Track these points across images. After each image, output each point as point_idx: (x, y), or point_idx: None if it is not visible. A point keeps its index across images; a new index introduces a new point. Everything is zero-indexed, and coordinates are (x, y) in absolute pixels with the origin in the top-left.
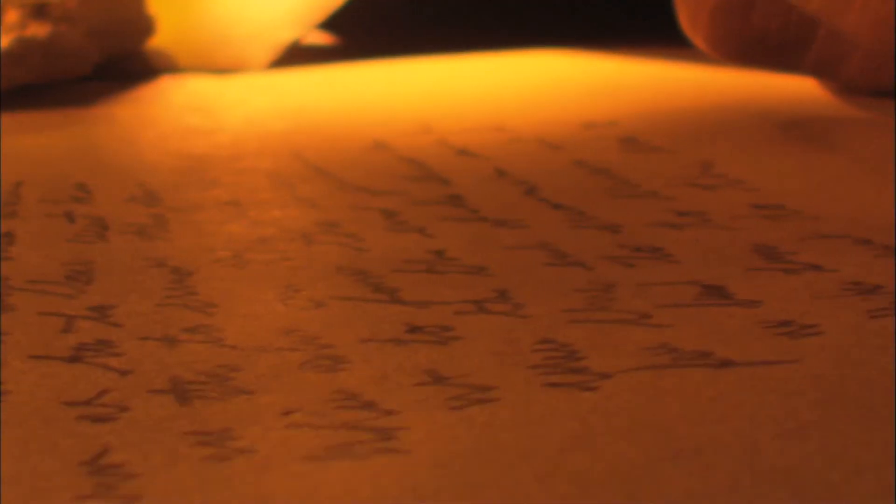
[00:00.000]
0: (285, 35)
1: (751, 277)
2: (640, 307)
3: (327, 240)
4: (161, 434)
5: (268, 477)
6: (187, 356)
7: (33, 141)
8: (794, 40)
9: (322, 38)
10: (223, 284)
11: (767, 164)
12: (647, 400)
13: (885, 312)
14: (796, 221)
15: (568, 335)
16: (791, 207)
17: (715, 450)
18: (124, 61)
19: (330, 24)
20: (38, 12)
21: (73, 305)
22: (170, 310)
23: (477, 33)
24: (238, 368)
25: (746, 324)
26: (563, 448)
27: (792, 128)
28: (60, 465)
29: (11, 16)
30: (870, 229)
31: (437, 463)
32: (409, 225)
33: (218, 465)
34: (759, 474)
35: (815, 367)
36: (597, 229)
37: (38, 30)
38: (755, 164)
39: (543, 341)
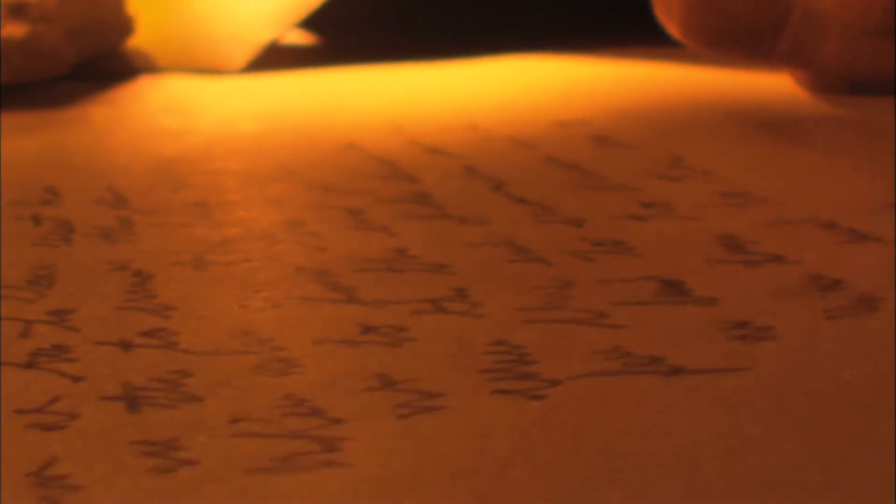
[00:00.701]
0: (264, 35)
1: (710, 271)
2: (596, 305)
3: (290, 239)
4: (108, 443)
5: (209, 490)
6: (141, 361)
7: (6, 143)
8: (767, 27)
9: (302, 38)
10: (183, 287)
11: (736, 155)
12: (593, 411)
13: (842, 313)
14: (762, 208)
15: (521, 336)
16: (758, 195)
17: (655, 468)
18: (103, 61)
19: (311, 23)
20: (16, 12)
21: (33, 310)
22: (127, 313)
23: (459, 34)
24: (190, 374)
25: (702, 324)
26: (503, 463)
27: (765, 125)
28: (7, 475)
29: None
30: (835, 212)
31: (377, 479)
32: (373, 224)
33: (161, 478)
34: (695, 496)
35: (765, 376)
36: (561, 224)
37: (16, 30)
38: (724, 156)
39: (496, 343)
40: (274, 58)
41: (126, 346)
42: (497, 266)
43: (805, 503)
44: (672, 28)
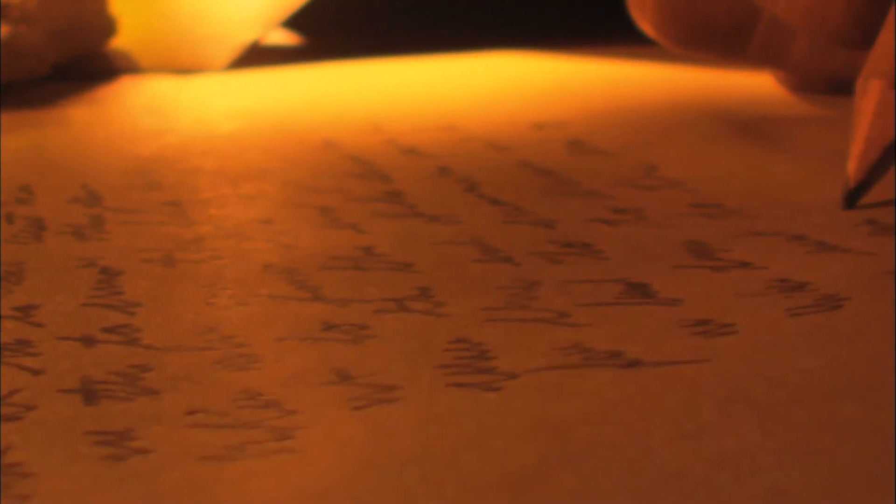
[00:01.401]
0: (246, 35)
1: (677, 275)
2: (559, 306)
3: (260, 237)
4: (64, 433)
5: (161, 477)
6: (102, 356)
7: None
8: (739, 25)
9: (287, 38)
10: (150, 284)
11: (712, 165)
12: (550, 400)
13: (807, 310)
14: (733, 220)
15: (482, 334)
16: (730, 207)
17: (608, 451)
18: (85, 62)
19: (295, 23)
20: None
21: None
22: (92, 310)
23: (444, 33)
24: (150, 368)
25: (664, 323)
26: (455, 450)
27: (743, 127)
28: None
29: None
30: (805, 226)
31: (328, 464)
32: (343, 222)
33: (114, 465)
34: (647, 476)
35: (724, 367)
36: (531, 225)
37: None
38: (699, 165)
39: (457, 340)
40: (257, 58)
41: (88, 341)
42: (463, 266)
43: (756, 481)
44: (645, 26)
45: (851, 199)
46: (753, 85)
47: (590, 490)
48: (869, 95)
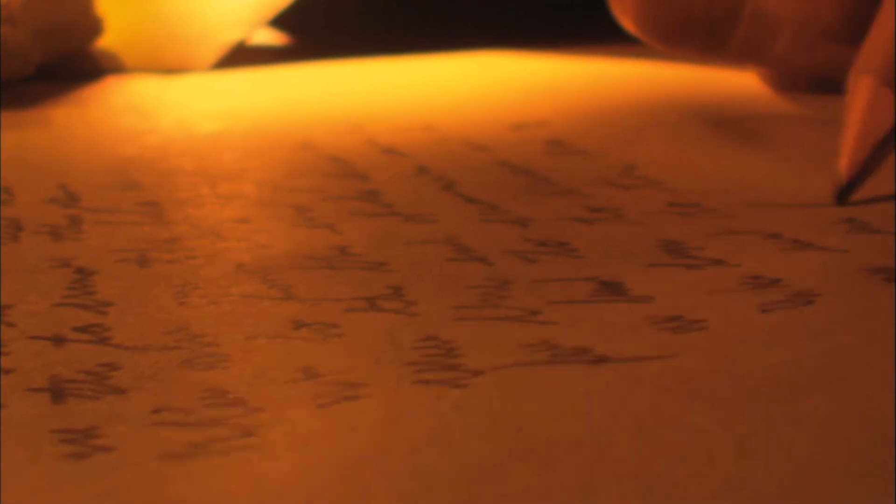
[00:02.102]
0: (231, 35)
1: (650, 273)
2: (531, 304)
3: (235, 237)
4: (29, 432)
5: (120, 475)
6: (72, 355)
7: None
8: (719, 20)
9: (274, 38)
10: (123, 283)
11: (691, 164)
12: (514, 397)
13: (778, 306)
14: (709, 218)
15: (451, 333)
16: (707, 205)
17: (567, 447)
18: (70, 62)
19: (282, 23)
20: None
21: None
22: (64, 309)
23: (430, 32)
24: (118, 367)
25: (634, 319)
26: (415, 446)
27: (724, 125)
28: None
29: None
30: (782, 224)
31: (289, 461)
32: (318, 221)
33: (75, 463)
34: (605, 471)
35: (691, 363)
36: (506, 223)
37: None
38: (678, 164)
39: (426, 339)
40: (243, 58)
41: (59, 340)
42: (436, 265)
43: (714, 474)
44: (626, 22)
45: (842, 195)
46: (737, 84)
47: (546, 485)
48: (860, 92)
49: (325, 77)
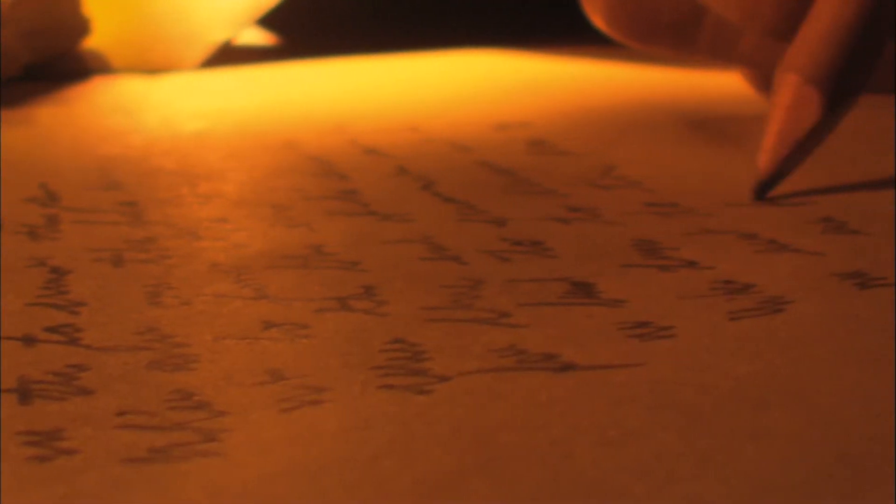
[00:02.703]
0: (218, 35)
1: (623, 275)
2: (502, 305)
3: (212, 237)
4: None
5: (82, 479)
6: (42, 356)
7: None
8: (686, 19)
9: (261, 38)
10: (97, 283)
11: (670, 164)
12: (477, 405)
13: (747, 314)
14: (686, 218)
15: (420, 335)
16: (685, 205)
17: (527, 458)
18: (58, 62)
19: (270, 22)
20: None
21: None
22: (37, 309)
23: (418, 31)
24: (87, 368)
25: (603, 324)
26: (375, 455)
27: (705, 127)
28: None
29: None
30: (758, 224)
31: (249, 468)
32: (296, 220)
33: (38, 466)
34: (564, 484)
35: (656, 372)
36: (483, 223)
37: None
38: (658, 165)
39: (394, 341)
40: (230, 57)
41: (30, 340)
42: (410, 264)
43: (673, 490)
44: (597, 20)
45: (761, 191)
46: (718, 86)
47: (504, 498)
48: (784, 89)
49: (310, 77)
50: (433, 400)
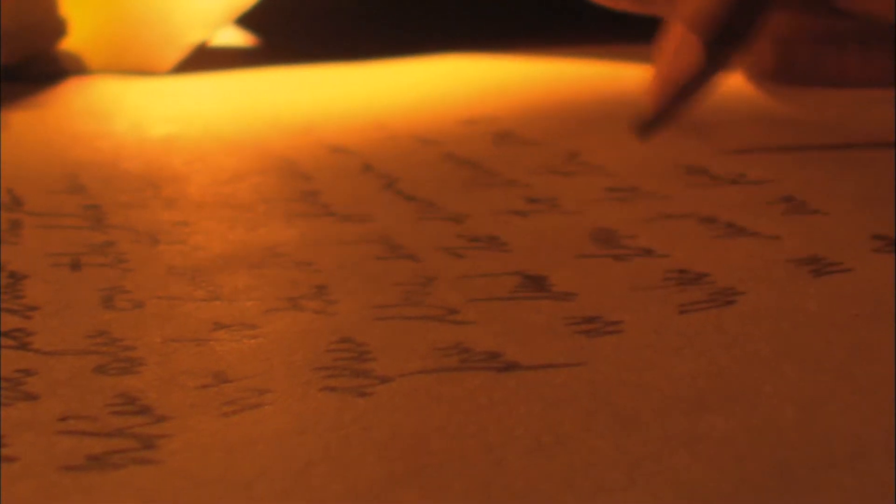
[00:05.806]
0: (195, 36)
1: (577, 266)
2: (451, 302)
3: (171, 240)
4: None
5: (21, 486)
6: None
7: None
8: None
9: (237, 38)
10: (52, 288)
11: (633, 150)
12: (415, 408)
13: (697, 307)
14: (646, 202)
15: (367, 334)
16: (645, 190)
17: (458, 466)
18: (34, 63)
19: (250, 24)
20: None
21: None
22: None
23: (397, 33)
24: (34, 373)
25: (551, 320)
26: (309, 462)
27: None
28: None
29: None
30: (717, 206)
31: (185, 476)
32: (255, 222)
33: None
34: (493, 494)
35: (598, 372)
36: (442, 220)
37: None
38: (620, 151)
39: (341, 341)
40: (205, 60)
41: None
42: (363, 264)
43: (600, 501)
44: None
45: (643, 131)
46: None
47: None
48: (671, 37)
49: (282, 81)
50: (372, 403)
